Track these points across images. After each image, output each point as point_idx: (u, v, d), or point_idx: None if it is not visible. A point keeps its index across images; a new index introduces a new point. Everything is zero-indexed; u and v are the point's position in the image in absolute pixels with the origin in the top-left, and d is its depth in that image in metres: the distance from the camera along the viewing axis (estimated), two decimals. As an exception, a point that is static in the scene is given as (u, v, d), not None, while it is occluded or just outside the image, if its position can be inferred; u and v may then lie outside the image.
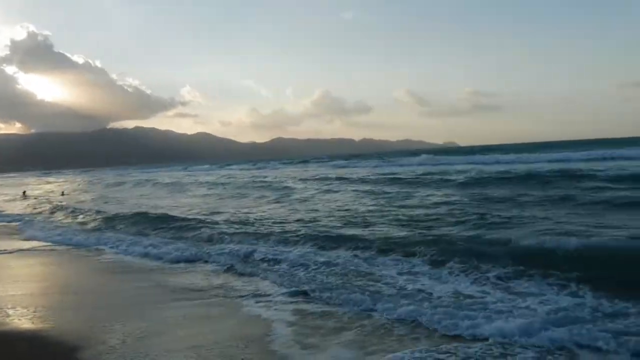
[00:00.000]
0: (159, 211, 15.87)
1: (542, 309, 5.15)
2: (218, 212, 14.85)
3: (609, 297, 5.31)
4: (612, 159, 29.47)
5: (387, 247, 8.28)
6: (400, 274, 7.04)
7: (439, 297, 5.84)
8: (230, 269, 8.19)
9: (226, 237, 10.37)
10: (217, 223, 12.46)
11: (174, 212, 15.20)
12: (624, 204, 11.11)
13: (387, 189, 19.08)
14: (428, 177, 22.80)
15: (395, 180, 22.23)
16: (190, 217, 13.71)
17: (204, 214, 14.54)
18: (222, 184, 29.35)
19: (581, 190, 13.84)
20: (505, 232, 8.79)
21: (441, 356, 4.37)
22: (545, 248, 6.99)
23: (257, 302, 6.33)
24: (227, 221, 12.80)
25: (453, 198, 14.60)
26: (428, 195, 15.80)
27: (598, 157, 31.63)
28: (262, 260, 8.43)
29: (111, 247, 10.78)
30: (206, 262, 8.88)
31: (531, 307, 5.25)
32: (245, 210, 15.19)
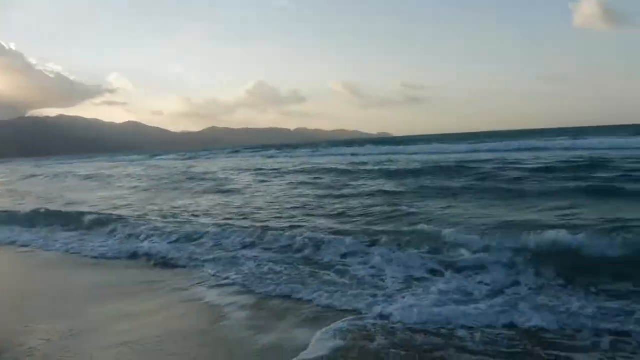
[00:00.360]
0: (77, 206, 14.92)
1: (483, 288, 5.51)
2: (144, 205, 14.20)
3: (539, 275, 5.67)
4: (537, 149, 31.44)
5: (330, 235, 8.19)
6: (344, 256, 7.15)
7: (392, 282, 5.99)
8: (164, 263, 7.87)
9: (155, 230, 9.95)
10: (144, 216, 11.89)
11: (94, 207, 14.27)
12: (543, 193, 11.83)
13: (321, 179, 19.16)
14: (362, 167, 23.23)
15: (330, 171, 22.38)
16: (113, 211, 12.96)
17: (128, 208, 13.85)
18: (149, 175, 28.15)
19: (508, 180, 14.62)
20: (441, 221, 9.09)
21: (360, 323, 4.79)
22: (476, 236, 7.23)
23: (196, 293, 6.17)
24: (154, 214, 12.27)
25: (387, 187, 14.95)
26: (362, 185, 16.08)
27: (519, 147, 33.67)
28: (198, 252, 8.15)
29: (32, 244, 10.09)
30: (137, 256, 8.49)
31: (471, 290, 5.53)
32: (174, 203, 14.60)
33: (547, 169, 16.50)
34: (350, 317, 4.97)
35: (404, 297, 5.39)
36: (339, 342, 4.42)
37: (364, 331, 4.66)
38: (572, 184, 12.63)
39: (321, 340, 4.49)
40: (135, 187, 21.45)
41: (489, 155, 26.78)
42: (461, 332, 4.51)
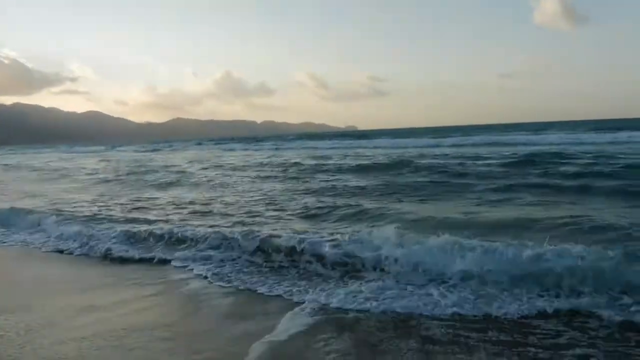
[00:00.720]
0: (28, 200, 14.33)
1: (447, 277, 5.74)
2: (100, 200, 13.72)
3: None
4: (497, 144, 32.34)
5: (291, 230, 8.21)
6: (308, 252, 7.03)
7: (360, 273, 6.19)
8: (123, 258, 7.69)
9: (113, 225, 9.46)
10: (100, 211, 11.43)
11: (46, 201, 13.69)
12: (501, 187, 12.12)
13: (286, 173, 19.14)
14: (328, 161, 23.34)
15: (295, 165, 22.38)
16: (66, 206, 12.38)
17: (82, 202, 13.28)
18: (106, 168, 27.29)
19: (469, 175, 15.00)
20: (403, 214, 9.27)
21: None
22: (433, 232, 7.33)
23: (159, 288, 6.10)
24: (111, 209, 11.89)
25: (352, 182, 15.04)
26: (328, 179, 16.17)
27: (480, 142, 34.58)
28: (159, 248, 8.02)
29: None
30: (95, 252, 8.13)
31: (435, 280, 5.76)
32: (132, 196, 14.19)
33: (508, 164, 17.01)
34: (320, 299, 5.23)
35: (371, 284, 5.60)
36: (312, 319, 4.65)
37: (336, 309, 4.96)
38: (530, 179, 13.10)
39: (293, 319, 4.68)
40: (90, 180, 20.66)
41: (451, 150, 27.41)
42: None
